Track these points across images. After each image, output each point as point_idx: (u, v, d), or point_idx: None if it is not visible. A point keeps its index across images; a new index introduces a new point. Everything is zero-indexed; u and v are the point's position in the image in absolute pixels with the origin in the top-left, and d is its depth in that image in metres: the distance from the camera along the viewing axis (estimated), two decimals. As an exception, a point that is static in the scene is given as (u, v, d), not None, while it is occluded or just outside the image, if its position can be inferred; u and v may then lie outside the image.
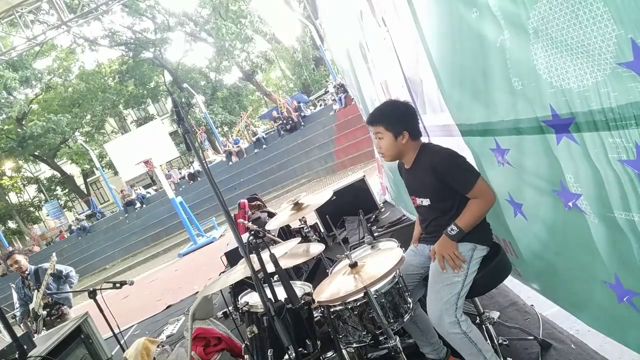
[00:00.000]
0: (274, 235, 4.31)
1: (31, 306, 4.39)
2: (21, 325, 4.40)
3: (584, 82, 1.25)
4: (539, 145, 1.59)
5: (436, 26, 1.90)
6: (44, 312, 4.35)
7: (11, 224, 26.36)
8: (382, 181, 5.82)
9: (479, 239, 1.95)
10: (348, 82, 4.39)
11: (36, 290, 4.39)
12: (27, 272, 4.51)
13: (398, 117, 1.99)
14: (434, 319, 1.90)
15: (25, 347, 2.39)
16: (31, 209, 27.63)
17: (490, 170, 2.03)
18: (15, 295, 4.61)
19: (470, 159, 2.07)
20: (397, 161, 2.15)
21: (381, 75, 2.37)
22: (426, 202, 2.02)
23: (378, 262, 1.83)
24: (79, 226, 19.92)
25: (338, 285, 1.78)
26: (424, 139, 2.06)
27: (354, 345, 1.97)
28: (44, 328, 4.28)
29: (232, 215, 3.78)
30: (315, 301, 1.86)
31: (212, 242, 11.70)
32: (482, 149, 2.00)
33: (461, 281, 1.89)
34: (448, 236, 1.90)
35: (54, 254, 5.03)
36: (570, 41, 1.22)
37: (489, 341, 2.07)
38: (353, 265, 1.83)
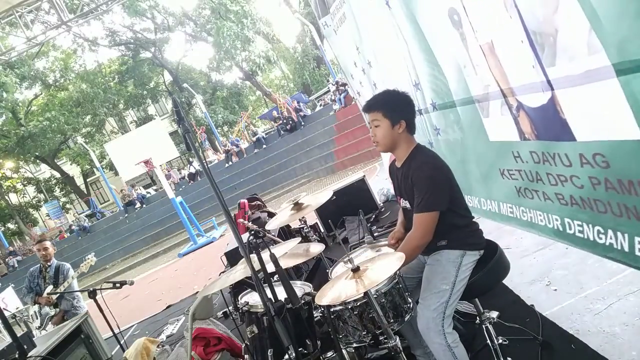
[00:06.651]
0: (274, 235, 4.31)
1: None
2: (35, 304, 4.35)
3: None
4: None
5: None
6: (53, 311, 4.33)
7: (11, 225, 26.32)
8: None
9: (468, 244, 1.94)
10: (387, 54, 3.65)
11: (50, 285, 4.34)
12: (49, 264, 4.43)
13: (398, 105, 1.97)
14: (421, 326, 1.89)
15: (25, 347, 2.40)
16: (30, 209, 27.58)
17: None
18: (25, 283, 4.51)
19: (624, 104, 1.79)
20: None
21: (484, 37, 2.25)
22: (407, 204, 2.03)
23: (380, 266, 1.81)
24: (79, 226, 19.92)
25: (339, 290, 1.76)
26: (546, 95, 1.84)
27: (354, 345, 1.97)
28: (51, 323, 4.27)
29: (232, 215, 3.77)
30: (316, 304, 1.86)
31: (212, 242, 11.69)
32: None
33: (449, 289, 1.87)
34: None
35: (92, 253, 4.79)
36: None
37: (488, 340, 2.08)
38: (355, 270, 1.82)
